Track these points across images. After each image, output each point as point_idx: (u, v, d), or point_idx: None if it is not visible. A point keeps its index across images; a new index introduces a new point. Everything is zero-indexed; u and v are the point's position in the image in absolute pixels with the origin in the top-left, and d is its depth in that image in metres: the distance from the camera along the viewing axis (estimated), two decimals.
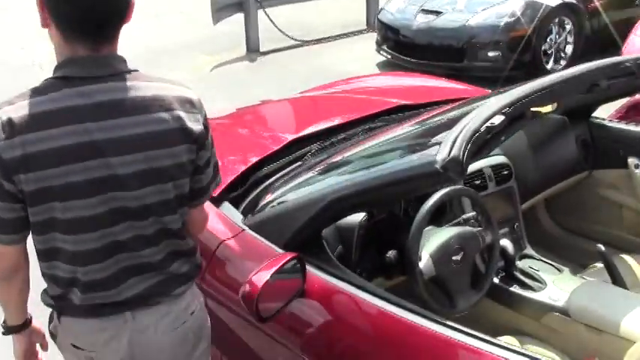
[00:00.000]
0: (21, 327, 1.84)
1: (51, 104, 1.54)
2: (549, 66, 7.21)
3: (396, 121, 3.16)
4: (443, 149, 1.82)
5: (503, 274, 2.59)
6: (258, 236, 2.24)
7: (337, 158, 2.59)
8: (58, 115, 1.53)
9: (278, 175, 2.74)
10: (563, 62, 7.31)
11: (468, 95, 3.59)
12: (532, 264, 2.68)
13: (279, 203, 2.34)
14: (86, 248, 1.62)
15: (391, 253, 2.25)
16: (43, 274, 1.72)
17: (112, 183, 1.57)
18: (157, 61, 8.27)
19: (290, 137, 3.02)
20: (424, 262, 2.21)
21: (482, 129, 1.93)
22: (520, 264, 2.64)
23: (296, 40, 9.16)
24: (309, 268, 2.03)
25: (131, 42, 9.07)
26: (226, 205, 2.50)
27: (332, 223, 2.20)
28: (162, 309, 1.75)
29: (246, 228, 2.31)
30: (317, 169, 2.55)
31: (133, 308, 1.71)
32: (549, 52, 7.22)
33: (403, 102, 3.40)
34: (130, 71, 1.64)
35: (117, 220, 1.61)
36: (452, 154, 1.79)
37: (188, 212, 1.77)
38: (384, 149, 2.44)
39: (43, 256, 1.67)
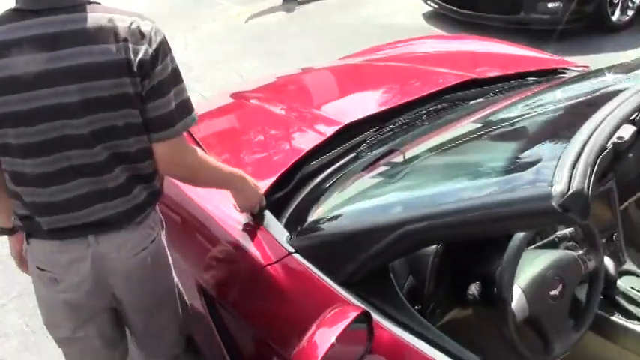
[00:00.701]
0: (11, 230, 1.96)
1: (2, 35, 1.61)
2: (615, 17, 6.55)
3: (466, 101, 2.67)
4: (560, 177, 1.35)
5: (602, 297, 2.12)
6: (309, 265, 1.81)
7: (404, 155, 2.14)
8: (9, 46, 1.60)
9: (328, 172, 2.30)
10: (630, 12, 6.66)
11: (547, 66, 3.08)
12: (636, 284, 2.21)
13: (332, 219, 1.91)
14: (44, 171, 1.68)
15: (474, 288, 1.81)
16: (10, 194, 1.79)
17: (59, 111, 1.62)
18: (188, 11, 7.81)
19: (341, 120, 2.56)
20: (516, 300, 1.77)
21: (609, 145, 1.46)
22: (621, 285, 2.18)
23: None
24: (375, 315, 1.61)
25: None
26: (267, 216, 2.07)
27: (404, 256, 1.76)
28: (125, 235, 1.80)
29: (294, 251, 1.88)
30: (379, 172, 2.10)
31: (96, 232, 1.77)
32: (615, 1, 6.55)
33: (470, 75, 2.90)
34: (87, 3, 1.67)
35: (68, 146, 1.66)
36: (574, 187, 1.33)
37: (152, 148, 1.77)
38: (469, 156, 1.97)
39: (9, 177, 1.76)
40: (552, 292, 1.83)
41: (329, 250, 1.81)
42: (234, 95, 3.25)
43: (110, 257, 1.80)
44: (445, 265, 1.85)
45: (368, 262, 1.67)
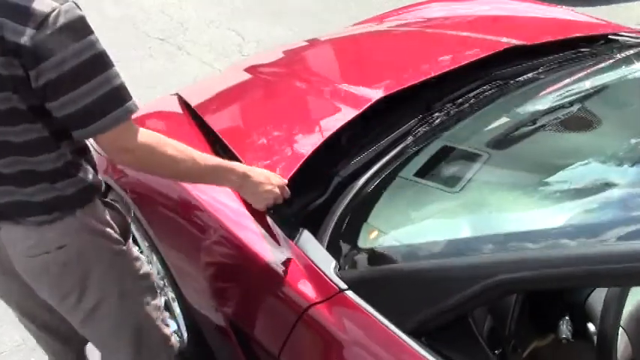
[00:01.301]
0: None
1: None
2: None
3: (517, 78, 2.33)
4: None
5: None
6: (368, 307, 1.50)
7: (464, 155, 1.84)
8: None
9: (370, 174, 1.98)
10: None
11: (596, 31, 2.73)
12: None
13: (394, 248, 1.60)
14: None
15: (566, 328, 1.51)
16: None
17: None
18: None
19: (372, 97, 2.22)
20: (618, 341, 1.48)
21: None
22: None
23: None
24: None
25: None
26: (306, 237, 1.75)
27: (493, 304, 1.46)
28: (23, 231, 1.70)
29: (346, 288, 1.57)
30: (438, 179, 1.79)
31: None
32: None
33: (506, 41, 2.53)
34: None
35: None
36: None
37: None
38: (554, 163, 1.64)
39: None
40: None
41: (393, 289, 1.49)
42: (249, 70, 2.91)
43: (9, 248, 1.73)
44: (527, 299, 1.56)
45: (446, 311, 1.36)
